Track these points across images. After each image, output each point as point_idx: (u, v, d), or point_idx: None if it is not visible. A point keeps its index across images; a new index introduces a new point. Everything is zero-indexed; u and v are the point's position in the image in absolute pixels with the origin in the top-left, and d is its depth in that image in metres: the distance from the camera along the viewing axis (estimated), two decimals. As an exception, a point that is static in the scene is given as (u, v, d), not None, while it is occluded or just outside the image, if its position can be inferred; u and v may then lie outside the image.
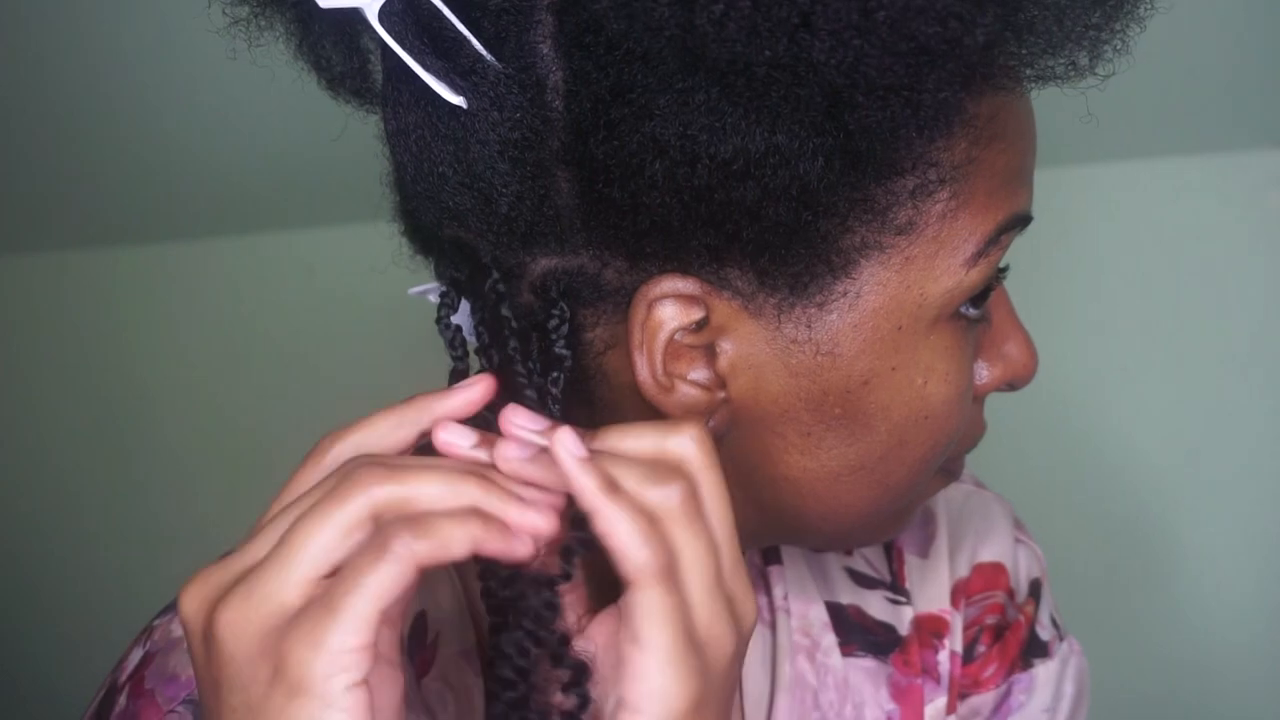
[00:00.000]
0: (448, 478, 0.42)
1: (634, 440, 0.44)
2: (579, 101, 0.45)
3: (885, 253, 0.48)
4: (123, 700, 0.57)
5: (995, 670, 0.69)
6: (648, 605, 0.42)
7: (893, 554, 0.70)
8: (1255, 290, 1.25)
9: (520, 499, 0.43)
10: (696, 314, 0.49)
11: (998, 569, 0.71)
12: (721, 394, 0.51)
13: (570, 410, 0.51)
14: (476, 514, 0.42)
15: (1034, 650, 0.71)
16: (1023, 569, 0.72)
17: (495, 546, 0.42)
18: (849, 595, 0.68)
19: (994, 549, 0.71)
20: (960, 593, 0.70)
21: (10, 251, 1.47)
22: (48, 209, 1.42)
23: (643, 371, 0.49)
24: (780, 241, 0.47)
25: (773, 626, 0.66)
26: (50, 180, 1.38)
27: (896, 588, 0.69)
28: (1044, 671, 0.70)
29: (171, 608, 0.61)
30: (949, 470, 0.59)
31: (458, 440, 0.45)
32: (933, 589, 0.69)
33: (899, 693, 0.67)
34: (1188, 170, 1.25)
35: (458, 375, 0.52)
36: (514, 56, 0.46)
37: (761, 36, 0.41)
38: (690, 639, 0.42)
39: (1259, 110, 1.22)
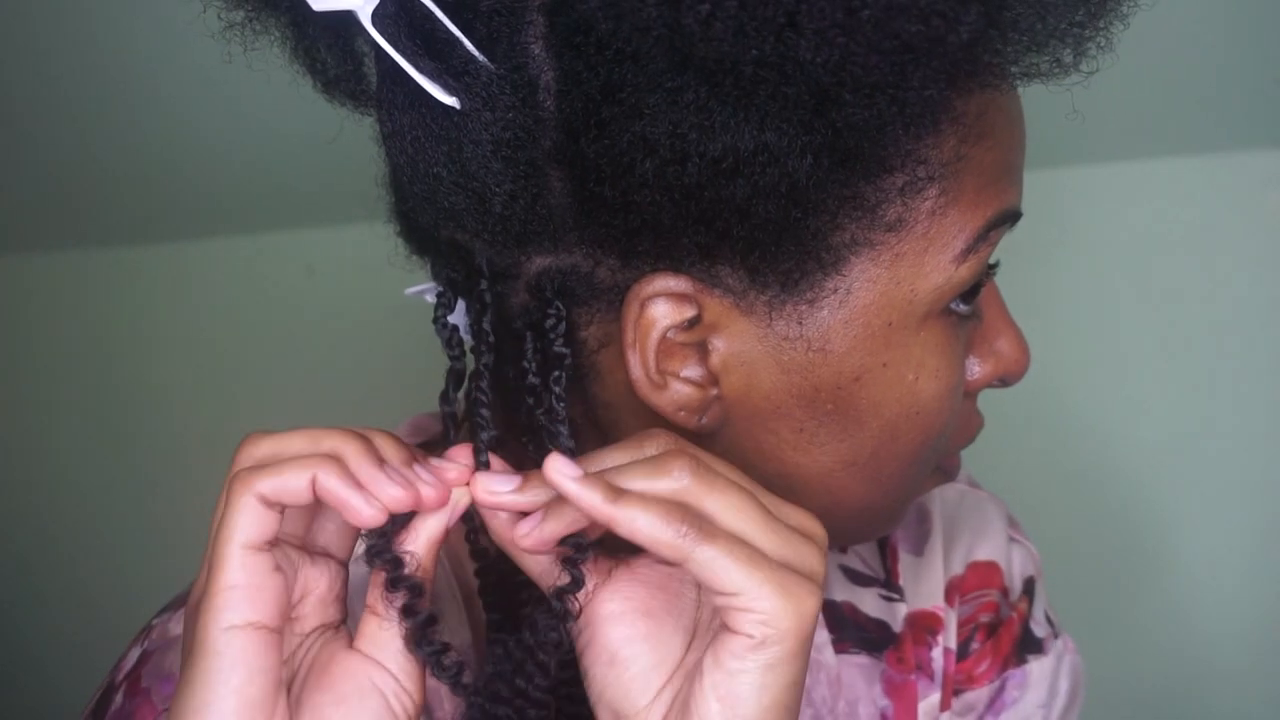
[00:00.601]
0: (311, 433, 0.46)
1: (613, 459, 0.47)
2: (570, 101, 0.46)
3: (875, 249, 0.49)
4: (119, 699, 0.58)
5: (988, 666, 0.70)
6: (710, 562, 0.44)
7: (887, 551, 0.70)
8: (1255, 290, 1.25)
9: (389, 477, 0.46)
10: (688, 312, 0.49)
11: (992, 567, 0.71)
12: (714, 391, 0.51)
13: (566, 408, 0.52)
14: (332, 462, 0.44)
15: (1028, 646, 0.71)
16: (1017, 567, 0.72)
17: (339, 495, 0.44)
18: (843, 592, 0.68)
19: (988, 547, 0.72)
20: (954, 590, 0.70)
21: (10, 251, 1.48)
22: (47, 209, 1.42)
23: (636, 369, 0.50)
24: (770, 239, 0.47)
25: None
26: (50, 180, 1.38)
27: (890, 585, 0.69)
28: (1038, 668, 0.71)
29: (170, 606, 0.61)
30: (945, 469, 0.59)
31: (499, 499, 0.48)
32: (927, 586, 0.70)
33: (893, 689, 0.67)
34: (1188, 170, 1.25)
35: (455, 374, 0.53)
36: (506, 57, 0.46)
37: (748, 36, 0.42)
38: (772, 564, 0.44)
39: (1259, 110, 1.22)
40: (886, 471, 0.54)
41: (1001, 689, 0.70)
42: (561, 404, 0.50)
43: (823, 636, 0.67)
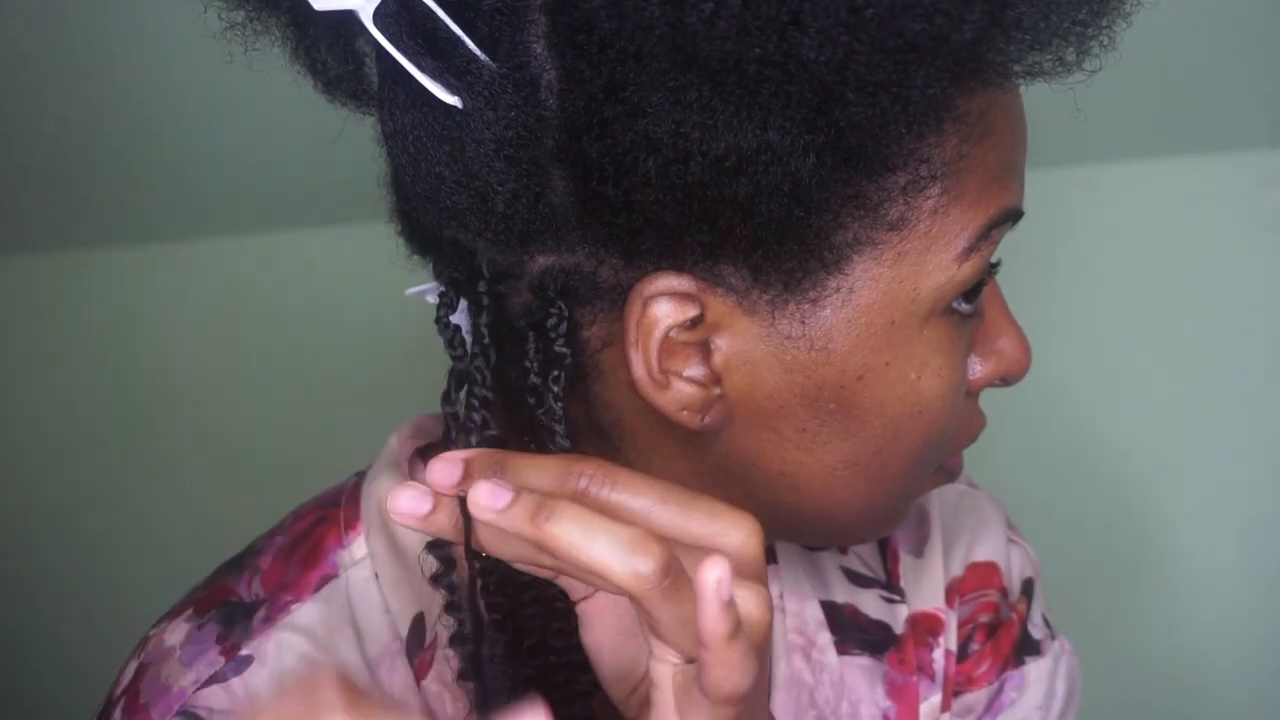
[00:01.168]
0: None
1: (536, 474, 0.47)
2: (572, 100, 0.46)
3: (878, 248, 0.49)
4: (117, 715, 0.58)
5: (988, 668, 0.70)
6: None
7: (887, 553, 0.70)
8: (1255, 290, 1.25)
9: None
10: (691, 311, 0.49)
11: (991, 568, 0.71)
12: (717, 390, 0.51)
13: (566, 408, 0.52)
14: None
15: (1026, 648, 0.71)
16: (1016, 568, 0.72)
17: None
18: (844, 594, 0.68)
19: (988, 548, 0.72)
20: (954, 591, 0.70)
21: (10, 251, 1.47)
22: (47, 209, 1.42)
23: (638, 369, 0.50)
24: (773, 238, 0.47)
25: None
26: (50, 180, 1.38)
27: (891, 586, 0.69)
28: (1036, 670, 0.71)
29: (167, 616, 0.61)
30: (947, 469, 0.59)
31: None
32: (927, 587, 0.70)
33: (895, 690, 0.67)
34: (1188, 170, 1.26)
35: (457, 374, 0.53)
36: (508, 56, 0.46)
37: (751, 34, 0.42)
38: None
39: (1259, 110, 1.23)
40: (889, 471, 0.54)
41: (1000, 691, 0.70)
42: (559, 403, 0.50)
43: (825, 638, 0.67)
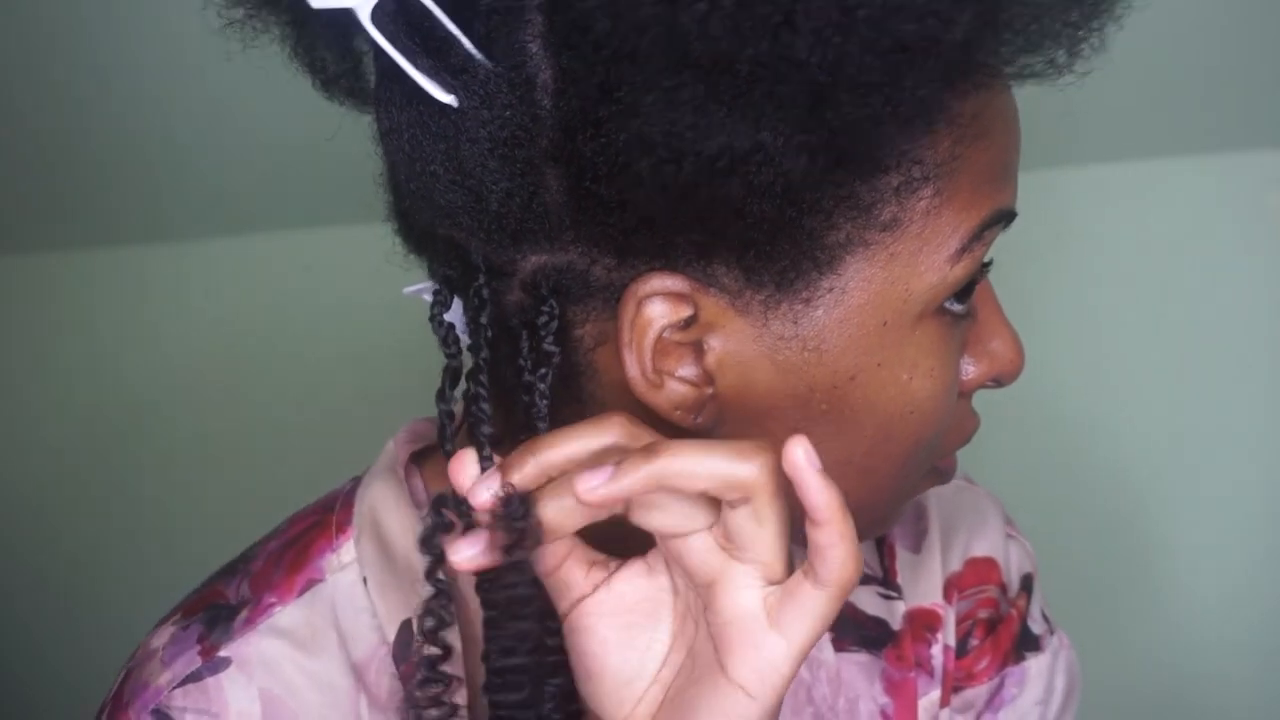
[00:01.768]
0: None
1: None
2: (567, 100, 0.46)
3: (870, 249, 0.49)
4: (104, 718, 0.59)
5: (988, 663, 0.70)
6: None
7: (884, 550, 0.70)
8: (1254, 290, 1.26)
9: None
10: (684, 311, 0.49)
11: (990, 563, 0.72)
12: (710, 390, 0.51)
13: (559, 407, 0.52)
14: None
15: (1026, 644, 0.71)
16: (1014, 563, 0.73)
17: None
18: None
19: (986, 544, 0.72)
20: (953, 587, 0.70)
21: (10, 252, 1.48)
22: (47, 209, 1.42)
23: (632, 368, 0.50)
24: (766, 238, 0.47)
25: None
26: (49, 181, 1.38)
27: (889, 583, 0.69)
28: (1036, 665, 0.71)
29: (158, 624, 0.62)
30: (940, 470, 0.59)
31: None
32: (925, 583, 0.70)
33: (892, 686, 0.67)
34: (1187, 170, 1.26)
35: (451, 372, 0.53)
36: (504, 55, 0.47)
37: (744, 35, 0.42)
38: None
39: (1259, 110, 1.23)
40: (881, 471, 0.54)
41: (1000, 686, 0.70)
42: (544, 401, 0.50)
43: (822, 635, 0.67)
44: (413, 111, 0.49)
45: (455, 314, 0.54)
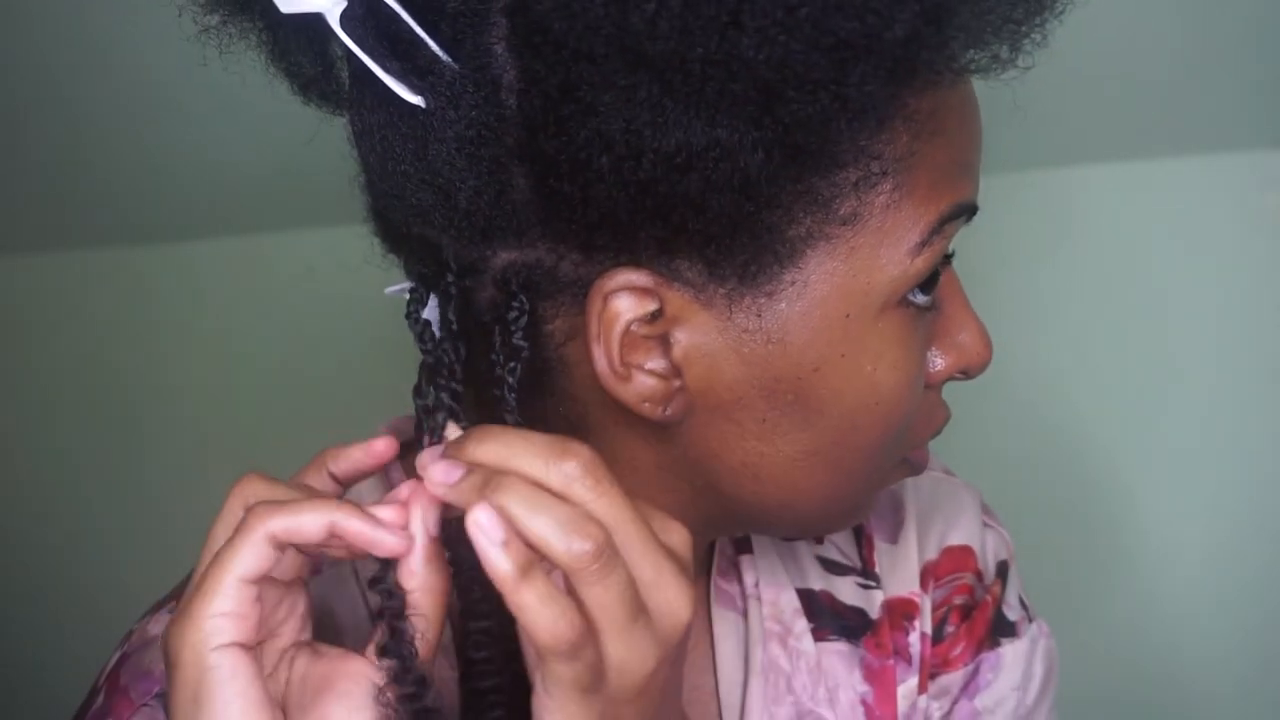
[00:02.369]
0: (327, 503, 0.48)
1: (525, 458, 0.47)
2: (530, 99, 0.47)
3: (831, 243, 0.50)
4: (100, 699, 0.60)
5: (963, 649, 0.71)
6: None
7: (862, 541, 0.71)
8: (1254, 290, 1.25)
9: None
10: (651, 305, 0.50)
11: (966, 551, 0.72)
12: (677, 383, 0.52)
13: (532, 401, 0.53)
14: (334, 506, 0.47)
15: (1001, 630, 0.72)
16: (990, 551, 0.73)
17: (356, 529, 0.47)
18: (820, 582, 0.70)
19: (962, 533, 0.73)
20: (929, 575, 0.71)
21: (10, 251, 1.49)
22: (47, 209, 1.42)
23: (600, 362, 0.51)
24: (725, 233, 0.48)
25: (745, 614, 0.68)
26: (50, 181, 1.38)
27: (867, 573, 0.70)
28: (1012, 651, 0.72)
29: (152, 610, 0.63)
30: (911, 462, 0.60)
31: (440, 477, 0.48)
32: (902, 573, 0.71)
33: (872, 674, 0.68)
34: (1188, 170, 1.25)
35: (427, 368, 0.54)
36: (470, 57, 0.48)
37: (693, 33, 0.43)
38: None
39: (1259, 110, 1.22)
40: (849, 461, 0.55)
41: (975, 671, 0.71)
42: (512, 394, 0.51)
43: (801, 625, 0.68)
44: (383, 113, 0.50)
45: (431, 311, 0.55)
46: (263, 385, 1.46)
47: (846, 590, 0.70)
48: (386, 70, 0.48)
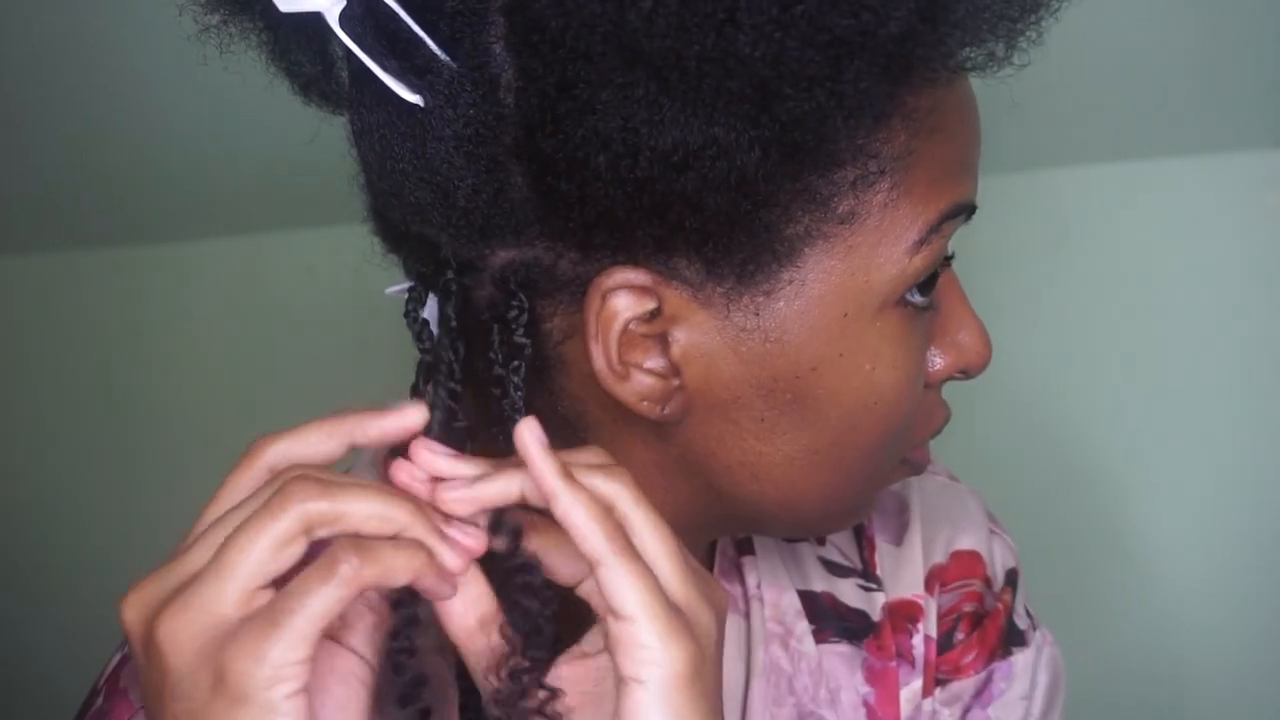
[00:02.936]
0: (379, 498, 0.45)
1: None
2: (528, 98, 0.47)
3: (829, 241, 0.50)
4: (100, 700, 0.60)
5: (975, 657, 0.70)
6: (619, 577, 0.44)
7: (864, 542, 0.71)
8: (1254, 291, 1.25)
9: (446, 535, 0.46)
10: (649, 304, 0.50)
11: (974, 557, 0.72)
12: (676, 382, 0.52)
13: (530, 399, 0.53)
14: (420, 547, 0.45)
15: (1012, 639, 0.72)
16: (999, 559, 0.73)
17: (430, 584, 0.45)
18: (822, 583, 0.69)
19: (970, 538, 0.72)
20: (936, 578, 0.71)
21: (10, 251, 1.49)
22: (47, 209, 1.42)
23: (599, 360, 0.51)
24: (723, 231, 0.48)
25: (746, 615, 0.68)
26: (50, 181, 1.38)
27: (868, 575, 0.70)
28: (1022, 660, 0.71)
29: None
30: (911, 461, 0.60)
31: (436, 462, 0.48)
32: (906, 575, 0.70)
33: (874, 676, 0.68)
34: (1188, 170, 1.25)
35: (425, 367, 0.54)
36: (468, 56, 0.48)
37: (690, 31, 0.43)
38: (669, 604, 0.45)
39: (1259, 110, 1.22)
40: (848, 461, 0.55)
41: (989, 680, 0.71)
42: (519, 393, 0.51)
43: (803, 627, 0.68)
44: (382, 112, 0.50)
45: (430, 310, 0.55)
46: (262, 385, 1.46)
47: (848, 592, 0.70)
48: (385, 69, 0.48)
